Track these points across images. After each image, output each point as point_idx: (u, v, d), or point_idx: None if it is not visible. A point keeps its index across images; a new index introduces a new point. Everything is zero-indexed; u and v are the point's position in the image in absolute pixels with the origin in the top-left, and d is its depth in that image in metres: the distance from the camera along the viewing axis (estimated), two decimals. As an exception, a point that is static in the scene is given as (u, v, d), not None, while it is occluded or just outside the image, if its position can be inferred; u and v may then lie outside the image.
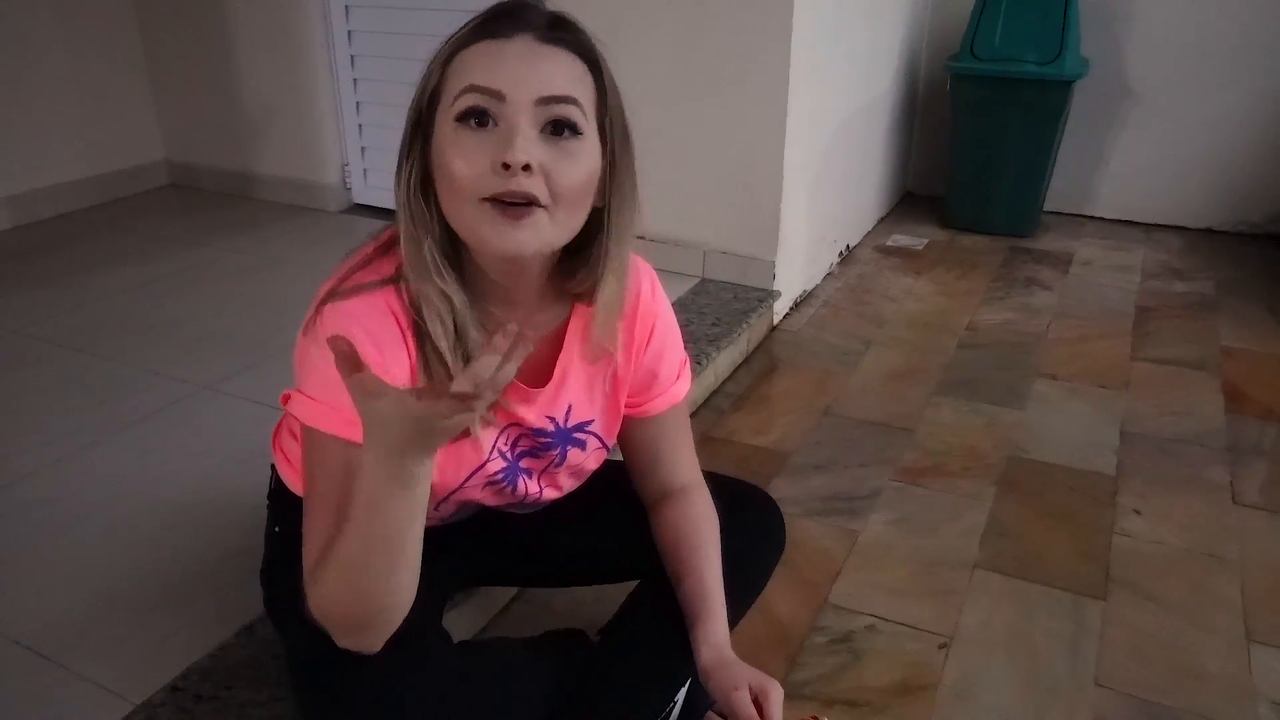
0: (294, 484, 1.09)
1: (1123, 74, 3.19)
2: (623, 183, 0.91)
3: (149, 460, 1.65)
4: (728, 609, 1.13)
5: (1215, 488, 1.79)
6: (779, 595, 1.48)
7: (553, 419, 1.03)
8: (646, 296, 1.05)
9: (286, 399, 0.90)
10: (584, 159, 0.85)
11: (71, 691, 1.16)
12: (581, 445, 1.08)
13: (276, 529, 1.15)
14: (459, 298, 0.88)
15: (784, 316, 2.55)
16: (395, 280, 0.89)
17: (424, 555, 0.99)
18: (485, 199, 0.82)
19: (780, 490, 1.76)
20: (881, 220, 3.37)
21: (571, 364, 1.02)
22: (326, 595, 0.84)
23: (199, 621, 1.26)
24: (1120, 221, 3.36)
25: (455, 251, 0.90)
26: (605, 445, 1.10)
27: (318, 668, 0.93)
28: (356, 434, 0.82)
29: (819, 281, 2.79)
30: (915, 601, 1.48)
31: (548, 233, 0.85)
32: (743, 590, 1.21)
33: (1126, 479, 1.82)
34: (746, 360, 2.31)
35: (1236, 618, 1.45)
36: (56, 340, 2.10)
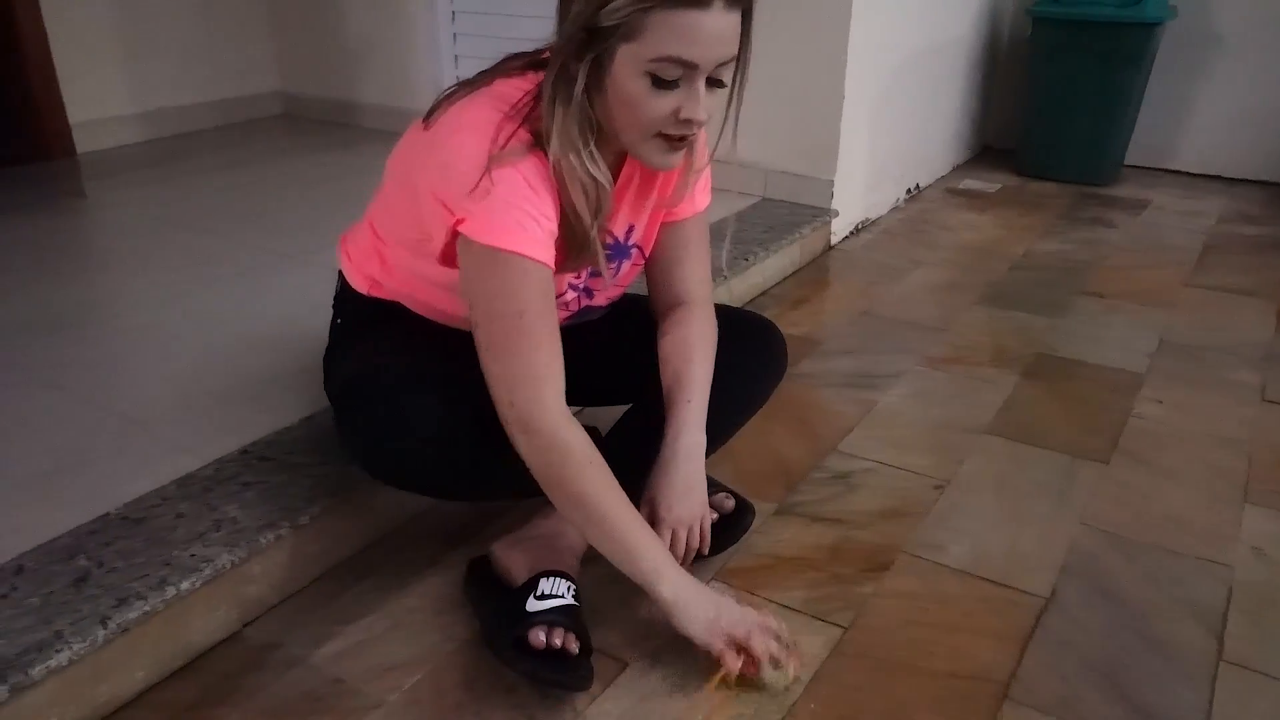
0: (355, 280, 1.27)
1: (1213, 20, 3.14)
2: (741, 73, 1.04)
3: (237, 302, 1.88)
4: (723, 419, 1.26)
5: (1243, 387, 1.81)
6: (788, 442, 1.60)
7: (614, 235, 1.18)
8: None
9: (456, 225, 1.01)
10: (723, 98, 1.02)
11: (159, 449, 1.36)
12: (629, 257, 1.23)
13: (339, 321, 1.33)
14: (607, 179, 1.03)
15: (843, 239, 2.63)
16: (538, 144, 1.01)
17: (458, 359, 1.15)
18: (658, 134, 0.99)
19: (805, 368, 1.87)
20: (957, 167, 3.41)
21: (631, 185, 1.15)
22: (575, 477, 1.02)
23: (269, 411, 1.45)
24: (1203, 175, 3.30)
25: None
26: (644, 255, 1.25)
27: (357, 406, 1.11)
28: (539, 252, 1.00)
29: (883, 213, 2.86)
30: (919, 453, 1.57)
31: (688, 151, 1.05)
32: (740, 402, 1.33)
33: (1154, 376, 1.85)
34: (798, 272, 2.41)
35: (1235, 484, 1.49)
36: (174, 222, 2.37)
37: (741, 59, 1.01)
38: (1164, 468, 1.54)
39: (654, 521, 1.14)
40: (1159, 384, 1.82)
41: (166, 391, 1.53)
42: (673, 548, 1.16)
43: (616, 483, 1.05)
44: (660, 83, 0.95)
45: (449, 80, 3.18)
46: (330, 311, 1.34)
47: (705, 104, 0.98)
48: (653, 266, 1.27)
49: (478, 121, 1.01)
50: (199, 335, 1.74)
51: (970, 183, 3.23)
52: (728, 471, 1.47)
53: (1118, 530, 1.38)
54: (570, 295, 1.18)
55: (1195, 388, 1.81)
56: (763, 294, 2.26)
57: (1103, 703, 1.07)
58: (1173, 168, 3.36)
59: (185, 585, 1.09)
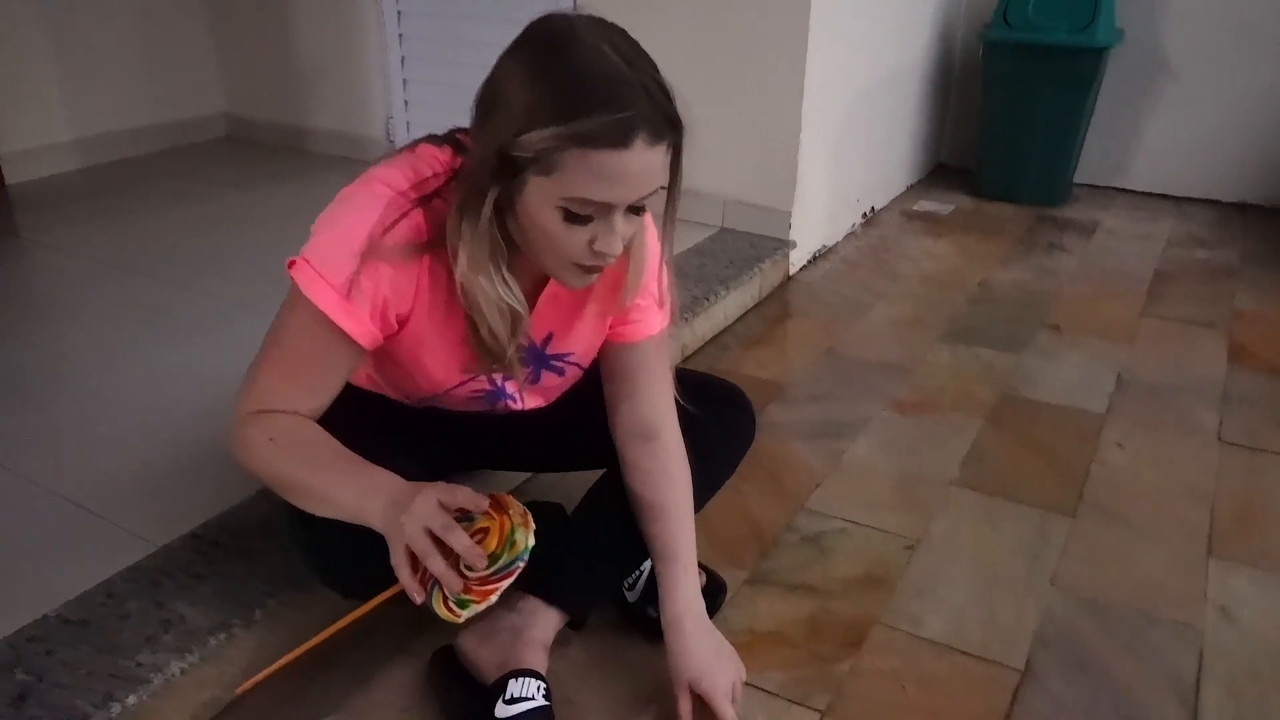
0: None
1: (1159, 44, 3.18)
2: (669, 200, 1.00)
3: (190, 360, 1.80)
4: (696, 493, 1.22)
5: (1201, 429, 1.83)
6: (758, 501, 1.57)
7: (528, 337, 1.10)
8: None
9: (293, 265, 0.97)
10: (645, 217, 0.98)
11: (106, 536, 1.30)
12: (559, 372, 1.17)
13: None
14: (523, 308, 0.98)
15: (801, 268, 2.62)
16: (434, 242, 0.95)
17: (416, 434, 1.10)
18: (574, 262, 0.94)
19: (773, 415, 1.85)
20: (910, 187, 3.42)
21: (559, 295, 1.08)
22: (258, 462, 0.99)
23: (222, 487, 1.39)
24: (1152, 194, 3.36)
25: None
26: (583, 368, 1.19)
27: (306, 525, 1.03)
28: (350, 324, 0.95)
29: (839, 239, 2.86)
30: (888, 510, 1.56)
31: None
32: (709, 476, 1.29)
33: (1114, 418, 1.86)
34: (758, 305, 2.39)
35: (1200, 539, 1.50)
36: (119, 265, 2.27)
37: (672, 191, 0.96)
38: (1130, 521, 1.54)
39: (709, 698, 1.08)
40: (1120, 426, 1.84)
41: (115, 466, 1.46)
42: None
43: (302, 446, 0.99)
44: (573, 217, 0.90)
45: (397, 104, 3.12)
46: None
47: (623, 231, 0.93)
48: (610, 389, 1.19)
49: (378, 185, 0.95)
50: (149, 400, 1.67)
51: (925, 204, 3.24)
52: (699, 538, 1.43)
53: (1091, 593, 1.37)
54: (483, 385, 1.13)
55: (1155, 430, 1.82)
56: (724, 331, 2.24)
57: (1084, 788, 1.06)
58: (1123, 186, 3.41)
59: (131, 700, 1.03)
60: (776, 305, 2.41)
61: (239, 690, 0.99)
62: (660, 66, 0.92)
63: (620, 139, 0.85)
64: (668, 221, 1.03)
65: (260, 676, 0.97)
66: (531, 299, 1.06)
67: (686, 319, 2.06)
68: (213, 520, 1.32)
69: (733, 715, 1.09)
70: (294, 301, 0.97)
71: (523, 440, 1.33)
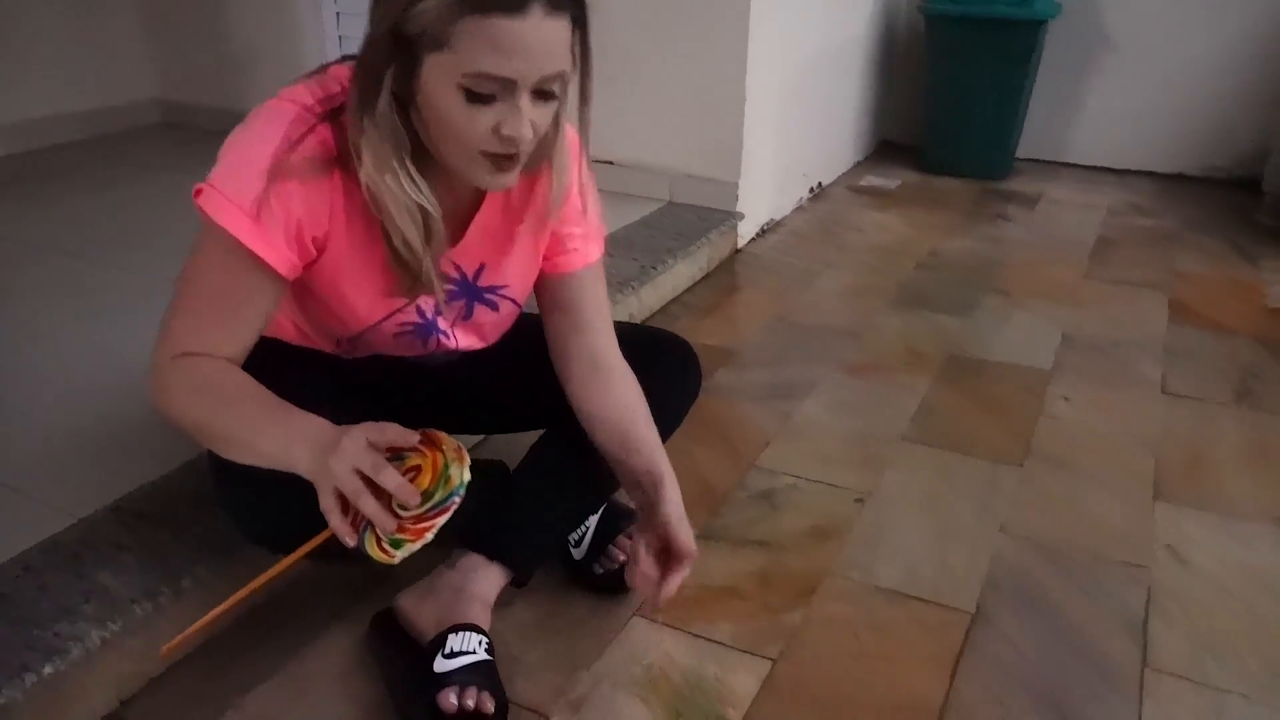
0: None
1: (1097, 17, 3.23)
2: (581, 89, 0.94)
3: (119, 336, 1.73)
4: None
5: (1146, 381, 1.85)
6: (708, 461, 1.55)
7: (459, 268, 1.07)
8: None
9: (199, 193, 0.92)
10: (557, 106, 0.92)
11: (24, 511, 1.23)
12: (493, 306, 1.12)
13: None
14: (434, 208, 0.94)
15: (749, 241, 2.61)
16: (341, 158, 0.91)
17: (352, 391, 1.05)
18: (482, 153, 0.89)
19: (723, 380, 1.83)
20: (857, 164, 3.43)
21: (490, 223, 1.05)
22: (178, 409, 0.94)
23: (147, 461, 1.33)
24: (1094, 167, 3.40)
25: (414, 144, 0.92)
26: (518, 304, 1.15)
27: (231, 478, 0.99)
28: (264, 249, 0.90)
29: (787, 213, 2.85)
30: (839, 466, 1.55)
31: (522, 164, 0.93)
32: (657, 426, 1.27)
33: (1061, 373, 1.87)
34: (707, 277, 2.37)
35: (1146, 484, 1.51)
36: (47, 246, 2.19)
37: (584, 83, 0.92)
38: (1078, 470, 1.55)
39: (685, 549, 1.06)
40: (1066, 381, 1.84)
41: (36, 443, 1.40)
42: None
43: (225, 391, 0.94)
44: (475, 97, 0.85)
45: (339, 86, 3.04)
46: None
47: (532, 116, 0.87)
48: (553, 324, 1.14)
49: (283, 103, 0.91)
50: (71, 376, 1.59)
51: (872, 179, 3.25)
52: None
53: (1040, 538, 1.37)
54: (412, 316, 1.08)
55: (1101, 383, 1.84)
56: (673, 301, 2.21)
57: (1038, 724, 1.05)
58: (1065, 160, 3.45)
59: (48, 670, 0.97)
60: (725, 276, 2.39)
61: (164, 649, 0.93)
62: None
63: (515, 4, 0.81)
64: (583, 117, 0.97)
65: (187, 633, 0.92)
66: (460, 228, 1.02)
67: (634, 288, 2.03)
68: (137, 491, 1.26)
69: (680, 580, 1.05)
70: (204, 232, 0.92)
71: (466, 397, 1.29)
